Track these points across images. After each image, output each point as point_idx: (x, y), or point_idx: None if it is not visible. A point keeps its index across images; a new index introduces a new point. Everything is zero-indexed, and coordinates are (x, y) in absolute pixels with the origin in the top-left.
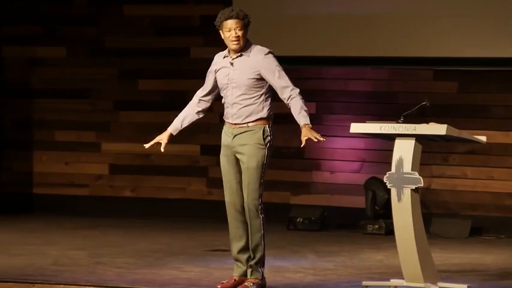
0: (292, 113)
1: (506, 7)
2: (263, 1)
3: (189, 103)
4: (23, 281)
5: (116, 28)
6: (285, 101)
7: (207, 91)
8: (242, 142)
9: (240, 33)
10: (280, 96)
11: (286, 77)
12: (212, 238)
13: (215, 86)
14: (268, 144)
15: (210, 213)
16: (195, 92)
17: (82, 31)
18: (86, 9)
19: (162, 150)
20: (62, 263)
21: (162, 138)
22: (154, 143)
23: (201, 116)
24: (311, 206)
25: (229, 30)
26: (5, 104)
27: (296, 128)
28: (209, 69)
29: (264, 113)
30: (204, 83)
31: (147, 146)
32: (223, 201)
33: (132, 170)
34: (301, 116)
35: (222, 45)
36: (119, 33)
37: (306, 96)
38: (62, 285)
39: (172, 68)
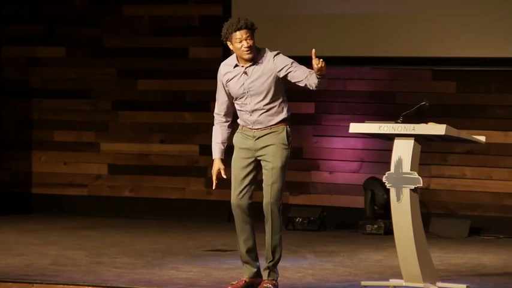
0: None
1: (506, 7)
2: (263, 1)
3: (216, 124)
4: (23, 281)
5: (115, 28)
6: (305, 80)
7: (225, 104)
8: (266, 143)
9: (251, 42)
10: (301, 79)
11: (303, 66)
12: (211, 238)
13: (230, 96)
14: (290, 144)
15: (209, 213)
16: (194, 92)
17: (82, 31)
18: (86, 9)
19: (225, 176)
20: (61, 263)
21: (219, 167)
22: (217, 176)
23: (231, 127)
24: (310, 206)
25: (240, 41)
26: (4, 104)
27: (295, 129)
28: (218, 84)
29: (284, 114)
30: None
31: (214, 186)
32: (222, 201)
33: (131, 170)
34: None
35: (221, 45)
36: (118, 33)
37: (305, 96)
38: (61, 285)
39: (172, 68)
